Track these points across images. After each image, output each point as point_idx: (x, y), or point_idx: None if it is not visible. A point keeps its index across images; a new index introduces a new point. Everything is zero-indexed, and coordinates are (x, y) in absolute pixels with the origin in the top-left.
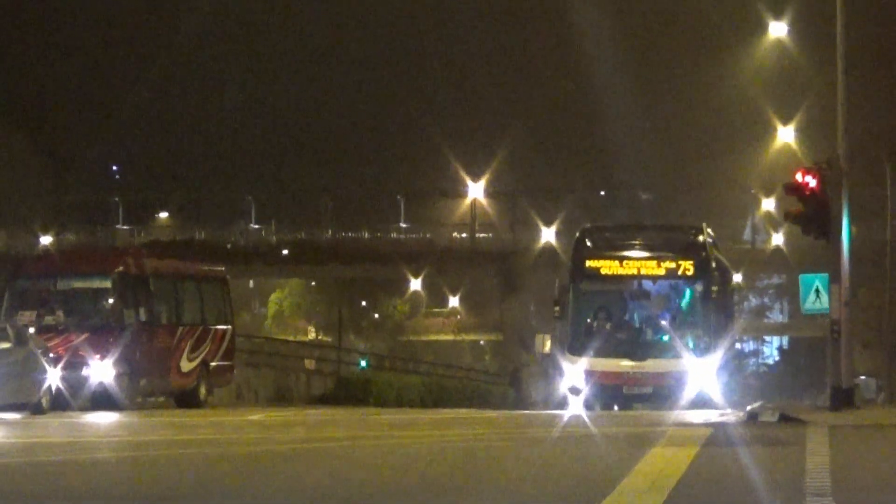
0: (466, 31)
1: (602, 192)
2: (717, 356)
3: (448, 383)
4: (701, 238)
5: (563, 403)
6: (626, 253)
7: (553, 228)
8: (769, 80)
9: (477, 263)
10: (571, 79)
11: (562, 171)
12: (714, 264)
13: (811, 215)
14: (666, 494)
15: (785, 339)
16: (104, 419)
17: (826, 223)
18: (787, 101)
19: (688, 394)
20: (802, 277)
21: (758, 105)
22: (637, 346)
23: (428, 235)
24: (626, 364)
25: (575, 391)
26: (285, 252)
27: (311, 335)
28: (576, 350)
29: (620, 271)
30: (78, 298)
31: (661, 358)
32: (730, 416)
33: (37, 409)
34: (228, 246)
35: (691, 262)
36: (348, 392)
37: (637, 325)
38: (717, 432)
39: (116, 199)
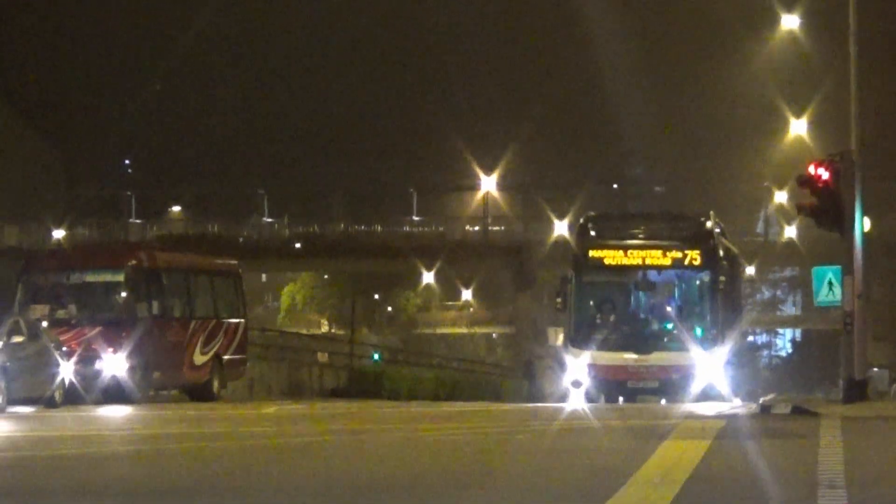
0: (479, 25)
1: (615, 186)
2: (725, 348)
3: (461, 377)
4: (708, 226)
5: (564, 398)
6: (630, 242)
7: (566, 222)
8: (782, 73)
9: (489, 257)
10: (584, 73)
11: (574, 165)
12: (721, 253)
13: (824, 208)
14: (679, 486)
15: (798, 332)
16: (117, 413)
17: (839, 216)
18: (799, 93)
19: (695, 388)
20: (815, 270)
21: (770, 98)
22: (642, 339)
23: (440, 229)
24: (630, 357)
25: (577, 385)
26: (298, 246)
27: (324, 329)
28: (579, 343)
29: (625, 261)
30: (90, 292)
31: (667, 351)
32: (742, 408)
33: (50, 403)
34: (241, 240)
35: (698, 251)
36: (361, 385)
37: (642, 316)
38: (730, 425)
39: (129, 193)
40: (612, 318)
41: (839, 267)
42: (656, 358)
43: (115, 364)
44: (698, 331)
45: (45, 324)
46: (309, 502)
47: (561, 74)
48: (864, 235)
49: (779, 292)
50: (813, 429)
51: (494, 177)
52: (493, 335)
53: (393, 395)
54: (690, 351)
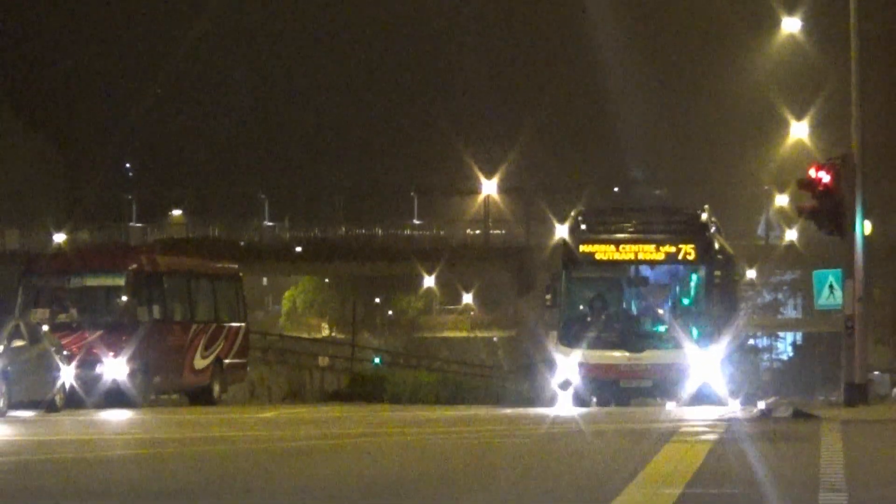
0: (480, 29)
1: (616, 189)
2: (721, 346)
3: (462, 380)
4: (703, 220)
5: (552, 400)
6: (622, 236)
7: (567, 225)
8: (783, 76)
9: (490, 260)
10: (585, 76)
11: (575, 168)
12: (717, 248)
13: (825, 211)
14: (680, 489)
15: (799, 335)
16: (118, 416)
17: (840, 219)
18: (800, 96)
19: (690, 387)
20: (816, 273)
21: (771, 101)
22: (634, 337)
23: (441, 232)
24: (622, 356)
25: (565, 386)
26: (299, 249)
27: (325, 332)
28: (568, 341)
29: (616, 256)
30: (91, 296)
31: (661, 349)
32: (742, 411)
33: (51, 407)
34: (242, 243)
35: (692, 245)
36: (362, 389)
37: (634, 313)
38: (731, 428)
39: (130, 196)
40: (603, 315)
41: (840, 270)
42: (649, 356)
43: (115, 368)
44: (693, 328)
45: (46, 327)
46: None
47: (562, 78)
48: (865, 238)
49: (780, 295)
50: (814, 432)
51: (495, 180)
52: (494, 338)
53: (394, 399)
54: (685, 349)
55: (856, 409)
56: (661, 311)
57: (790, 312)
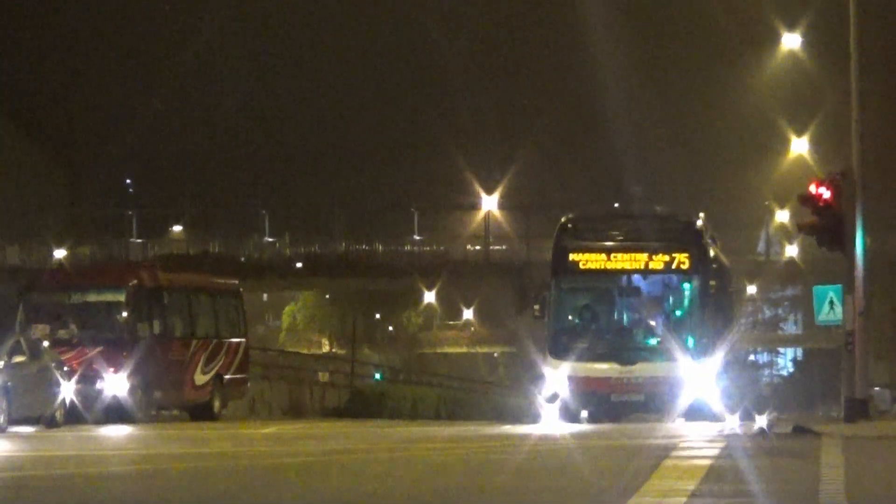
0: (480, 44)
1: (616, 205)
2: (716, 360)
3: (463, 396)
4: (697, 228)
5: (537, 416)
6: (613, 244)
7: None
8: (783, 92)
9: (491, 276)
10: (586, 92)
11: (575, 183)
12: (712, 257)
13: (825, 227)
14: None
15: (799, 351)
16: (118, 432)
17: (840, 234)
18: (800, 112)
19: (683, 402)
20: (816, 289)
21: (771, 117)
22: (626, 349)
23: (442, 248)
24: (613, 369)
25: (553, 399)
26: (299, 265)
27: (326, 348)
28: (557, 353)
29: (607, 265)
30: (92, 312)
31: (653, 362)
32: (742, 427)
33: (51, 423)
34: (242, 259)
35: (686, 254)
36: (363, 405)
37: (626, 325)
38: (730, 444)
39: (130, 212)
40: (593, 326)
41: (840, 286)
42: (641, 369)
43: (116, 384)
44: (687, 341)
45: (46, 343)
46: None
47: (563, 95)
48: (866, 254)
49: (780, 311)
50: (814, 448)
51: (496, 196)
52: (495, 354)
53: (394, 415)
54: (678, 362)
55: (856, 424)
56: (653, 323)
57: (790, 328)
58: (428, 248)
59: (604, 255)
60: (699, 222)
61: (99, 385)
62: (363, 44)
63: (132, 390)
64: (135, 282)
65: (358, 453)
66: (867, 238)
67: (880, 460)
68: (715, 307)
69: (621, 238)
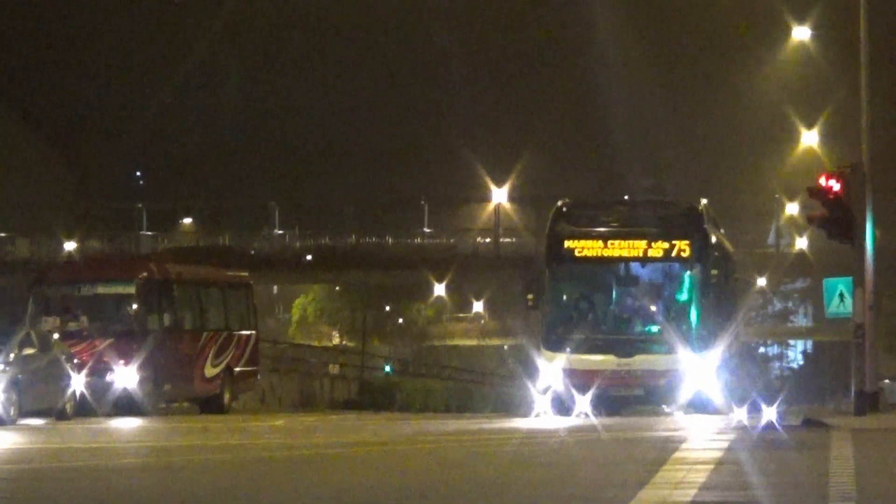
0: (490, 37)
1: (626, 197)
2: (718, 351)
3: (472, 388)
4: (698, 214)
5: (528, 409)
6: (610, 231)
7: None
8: (792, 85)
9: (501, 268)
10: (595, 85)
11: (585, 176)
12: (714, 244)
13: (835, 219)
14: (690, 498)
15: (809, 343)
16: (128, 425)
17: (850, 227)
18: (810, 105)
19: (684, 395)
20: (826, 281)
21: (781, 109)
22: (624, 340)
23: (451, 241)
24: (610, 361)
25: (546, 392)
26: (309, 258)
27: (336, 340)
28: (552, 345)
29: (604, 252)
30: (102, 304)
31: (653, 354)
32: (750, 420)
33: (61, 415)
34: (252, 252)
35: (687, 241)
36: (372, 397)
37: (624, 315)
38: (739, 437)
39: (140, 205)
40: (589, 316)
41: (850, 278)
42: (640, 361)
43: (126, 376)
44: (688, 331)
45: (56, 336)
46: None
47: (572, 88)
48: (875, 247)
49: (790, 304)
50: (824, 441)
51: (506, 188)
52: (505, 347)
53: (404, 407)
54: (679, 354)
55: (866, 417)
56: (652, 313)
57: (800, 321)
58: (438, 241)
59: (600, 243)
60: (699, 211)
61: (109, 378)
62: (374, 39)
63: (142, 383)
64: (145, 275)
65: (373, 446)
66: (877, 231)
67: (890, 453)
68: (717, 296)
69: (619, 224)
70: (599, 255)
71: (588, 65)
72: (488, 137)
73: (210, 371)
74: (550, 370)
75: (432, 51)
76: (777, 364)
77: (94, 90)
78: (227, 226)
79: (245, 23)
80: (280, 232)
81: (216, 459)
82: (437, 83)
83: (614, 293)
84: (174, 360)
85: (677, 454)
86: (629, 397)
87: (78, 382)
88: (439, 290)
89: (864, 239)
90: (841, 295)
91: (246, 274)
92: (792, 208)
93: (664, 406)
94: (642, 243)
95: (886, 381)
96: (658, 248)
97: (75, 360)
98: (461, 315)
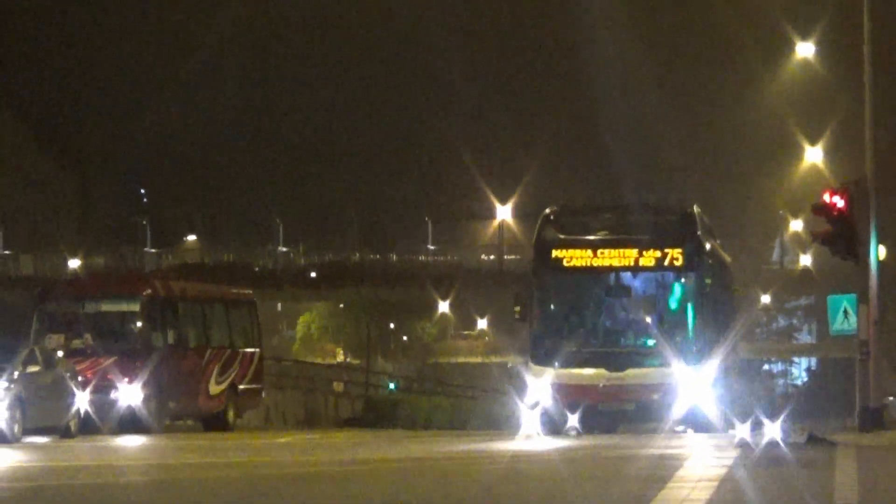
0: (494, 52)
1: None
2: (713, 365)
3: (477, 405)
4: (692, 220)
5: (516, 427)
6: (600, 239)
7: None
8: (797, 101)
9: (505, 285)
10: (599, 101)
11: (589, 193)
12: (708, 252)
13: (839, 236)
14: None
15: (814, 360)
16: (132, 442)
17: (854, 243)
18: (814, 121)
19: (678, 411)
20: (831, 298)
21: (785, 126)
22: (615, 354)
23: (456, 257)
24: (601, 375)
25: (534, 408)
26: (313, 275)
27: (340, 358)
28: (540, 359)
29: (593, 262)
30: (106, 322)
31: (645, 367)
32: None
33: (65, 433)
34: (256, 269)
35: (680, 249)
36: (377, 414)
37: (615, 327)
38: (744, 453)
39: (144, 222)
40: (579, 329)
41: (854, 295)
42: (632, 375)
43: (130, 394)
44: (682, 344)
45: (60, 353)
46: None
47: (576, 104)
48: (880, 263)
49: (794, 320)
50: (829, 458)
51: (510, 205)
52: (508, 364)
53: (408, 424)
54: (672, 367)
55: (871, 434)
56: (645, 325)
57: (805, 337)
58: (442, 258)
59: (589, 251)
60: (693, 217)
61: (113, 395)
62: (379, 54)
63: (146, 400)
64: (149, 292)
65: (378, 463)
66: (881, 247)
67: (894, 470)
68: (713, 307)
69: (608, 232)
70: (589, 264)
71: (592, 84)
72: (493, 155)
73: (214, 388)
74: (539, 385)
75: (438, 68)
76: (781, 381)
77: (98, 106)
78: (232, 242)
79: (246, 37)
80: (284, 249)
81: (221, 477)
82: (441, 100)
83: (605, 304)
84: (178, 378)
85: (681, 472)
86: (620, 412)
87: (82, 400)
88: (443, 306)
89: (868, 255)
90: (845, 312)
91: (250, 291)
92: (796, 224)
93: (655, 423)
94: (633, 252)
95: (891, 397)
96: (650, 257)
97: (79, 378)
98: (466, 332)
